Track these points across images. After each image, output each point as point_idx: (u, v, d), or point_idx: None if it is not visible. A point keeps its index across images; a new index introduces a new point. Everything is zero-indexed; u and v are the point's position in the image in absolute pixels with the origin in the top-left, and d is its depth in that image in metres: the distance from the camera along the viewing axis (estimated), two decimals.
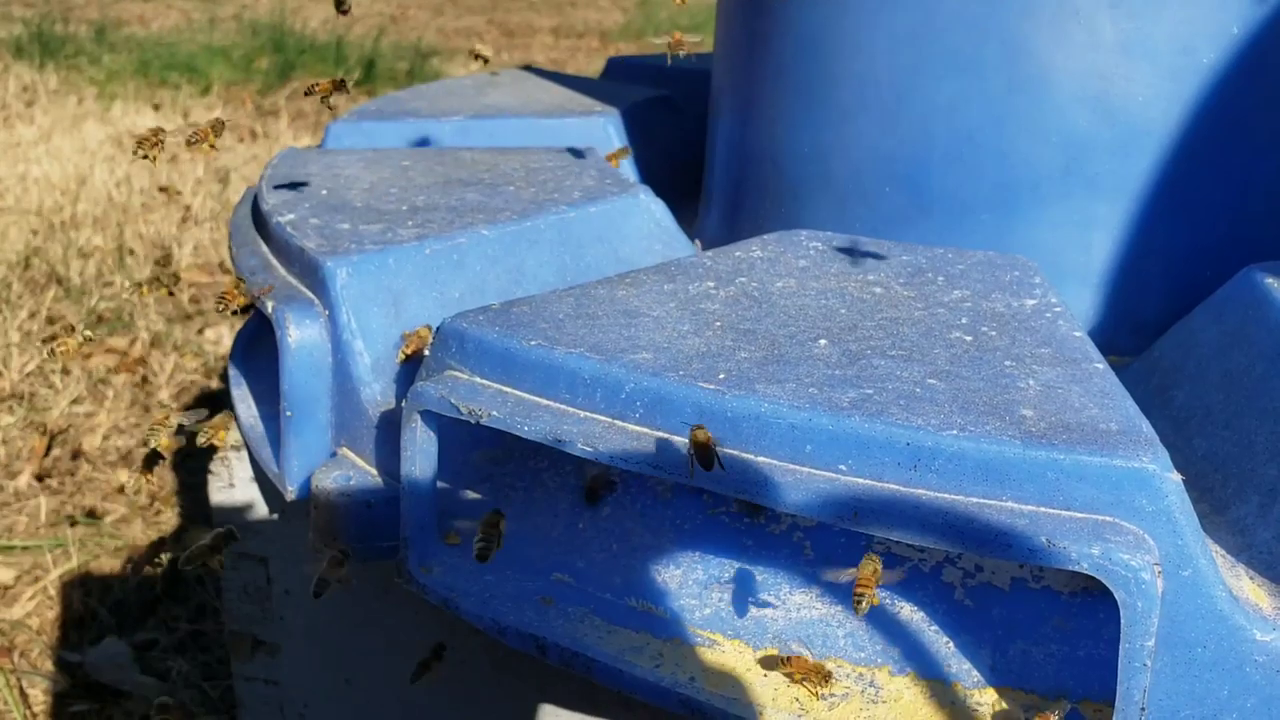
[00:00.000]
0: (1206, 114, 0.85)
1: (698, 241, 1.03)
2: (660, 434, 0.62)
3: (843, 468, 0.58)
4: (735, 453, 0.60)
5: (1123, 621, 0.53)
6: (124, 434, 2.04)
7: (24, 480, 1.88)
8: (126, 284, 2.29)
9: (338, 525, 0.78)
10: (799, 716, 0.60)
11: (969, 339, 0.70)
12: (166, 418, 0.88)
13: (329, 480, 0.78)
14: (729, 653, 0.64)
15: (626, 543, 0.69)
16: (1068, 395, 0.62)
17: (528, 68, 1.57)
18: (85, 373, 2.19)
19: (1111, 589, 0.52)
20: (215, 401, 2.15)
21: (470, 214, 0.92)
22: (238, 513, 0.97)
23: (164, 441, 0.87)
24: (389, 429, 0.77)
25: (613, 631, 0.66)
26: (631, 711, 0.77)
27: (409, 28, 6.01)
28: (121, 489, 1.87)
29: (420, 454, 0.69)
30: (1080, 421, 0.59)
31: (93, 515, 1.81)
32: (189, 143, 0.91)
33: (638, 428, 0.63)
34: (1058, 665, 0.61)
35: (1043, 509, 0.55)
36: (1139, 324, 0.90)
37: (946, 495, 0.56)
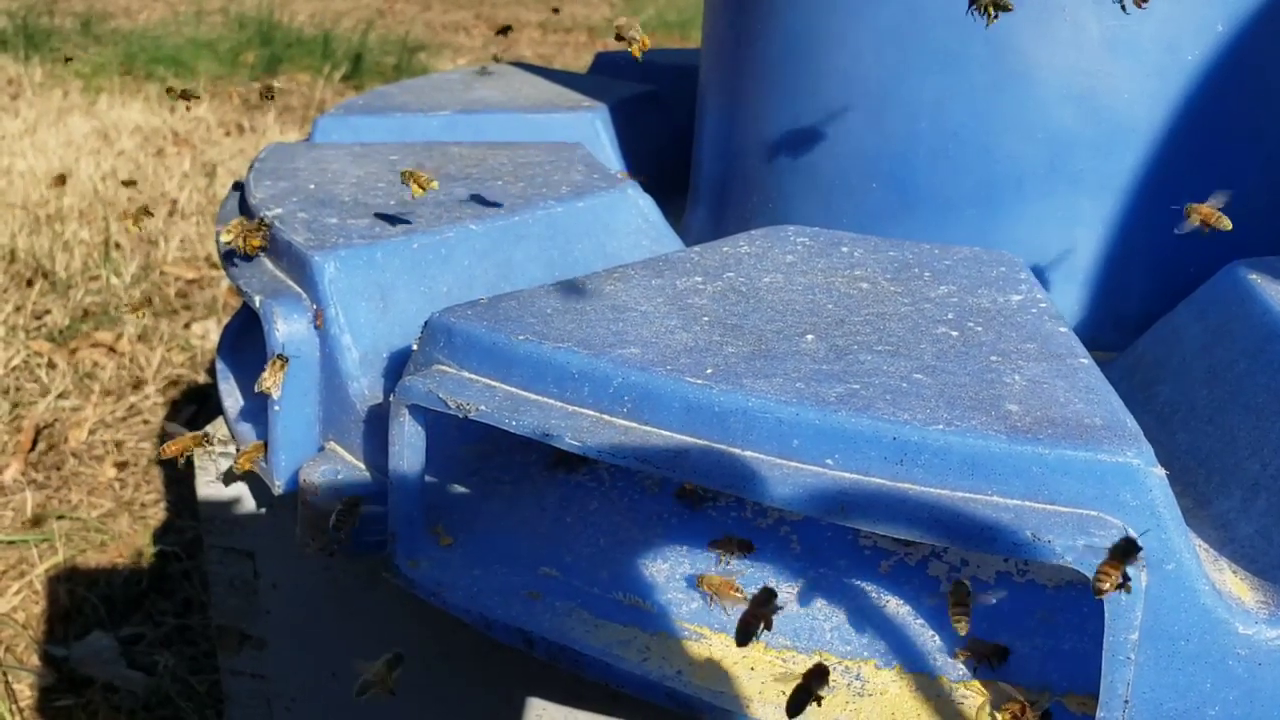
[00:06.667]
0: (1190, 111, 0.86)
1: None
2: (648, 428, 0.62)
3: (829, 462, 0.59)
4: (723, 447, 0.61)
5: (1107, 615, 0.53)
6: (110, 428, 2.03)
7: (10, 475, 1.88)
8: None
9: (325, 520, 0.78)
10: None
11: (955, 334, 0.70)
12: None
13: (316, 475, 0.78)
14: (716, 646, 0.65)
15: (613, 537, 0.69)
16: (1053, 390, 0.62)
17: (516, 63, 1.57)
18: (71, 367, 2.19)
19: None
20: (203, 396, 2.15)
21: (458, 209, 0.92)
22: (224, 507, 0.97)
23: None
24: (377, 423, 0.77)
25: (600, 625, 0.66)
26: (619, 705, 0.77)
27: (396, 22, 6.00)
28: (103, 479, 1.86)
29: (408, 448, 0.69)
30: (1065, 416, 0.59)
31: (78, 510, 1.81)
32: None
33: (625, 422, 0.63)
34: (1042, 658, 0.62)
35: (1028, 503, 0.56)
36: (1123, 320, 0.91)
37: (932, 490, 0.57)
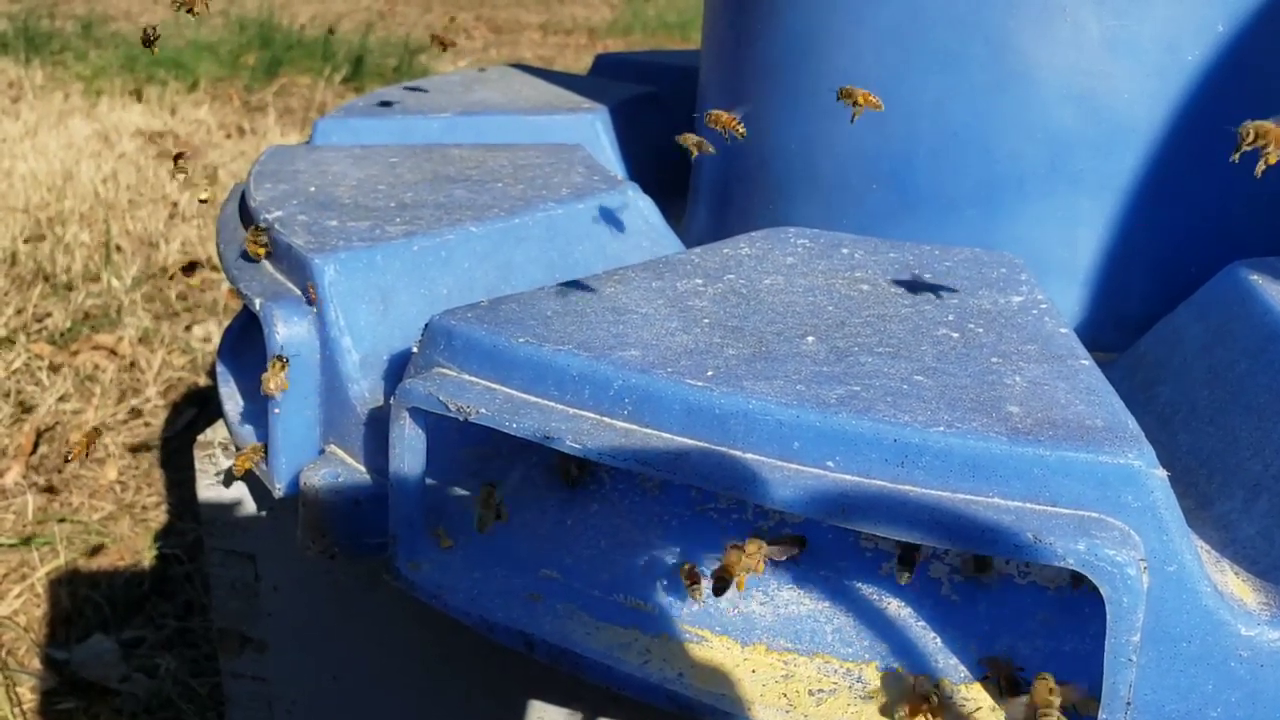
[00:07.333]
0: (1191, 111, 0.86)
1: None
2: (648, 431, 0.62)
3: (830, 464, 0.59)
4: (723, 450, 0.60)
5: (1108, 617, 0.53)
6: (112, 431, 2.03)
7: (11, 478, 1.88)
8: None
9: (326, 522, 0.78)
10: (786, 712, 0.60)
11: (956, 335, 0.70)
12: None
13: (317, 477, 0.78)
14: (717, 649, 0.65)
15: (614, 539, 0.69)
16: (1054, 392, 0.62)
17: (516, 64, 1.57)
18: (72, 370, 2.19)
19: (1097, 584, 0.52)
20: (203, 398, 2.15)
21: (458, 211, 0.92)
22: (225, 509, 0.97)
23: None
24: (377, 426, 0.77)
25: (600, 628, 0.66)
26: (620, 708, 0.77)
27: (397, 24, 6.00)
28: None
29: (408, 451, 0.69)
30: (1066, 418, 0.59)
31: (80, 513, 1.81)
32: None
33: (626, 424, 0.63)
34: (1044, 660, 0.61)
35: (1029, 505, 0.56)
36: (1124, 320, 0.90)
37: (933, 491, 0.57)
